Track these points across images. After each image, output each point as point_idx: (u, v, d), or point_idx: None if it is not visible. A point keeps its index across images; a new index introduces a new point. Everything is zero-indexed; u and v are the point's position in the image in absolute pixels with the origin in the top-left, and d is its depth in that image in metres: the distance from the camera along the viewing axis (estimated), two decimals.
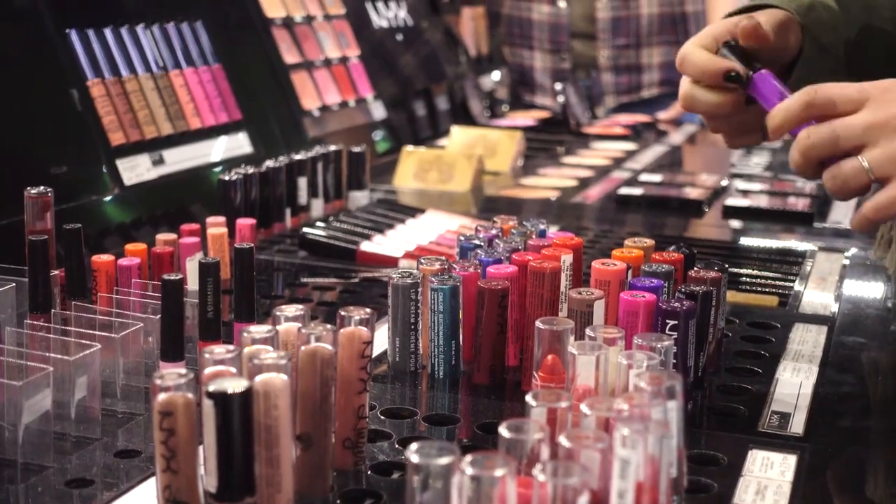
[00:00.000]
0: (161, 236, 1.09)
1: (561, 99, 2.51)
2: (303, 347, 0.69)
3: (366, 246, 1.32)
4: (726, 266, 0.97)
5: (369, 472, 0.74)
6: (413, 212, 1.50)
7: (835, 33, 1.00)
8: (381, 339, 0.93)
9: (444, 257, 0.96)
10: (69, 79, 1.35)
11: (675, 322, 0.83)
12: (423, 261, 0.94)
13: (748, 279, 1.27)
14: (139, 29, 1.49)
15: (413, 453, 0.56)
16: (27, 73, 1.31)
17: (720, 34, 0.95)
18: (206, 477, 0.60)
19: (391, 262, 1.28)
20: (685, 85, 0.96)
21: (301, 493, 0.69)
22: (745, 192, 1.78)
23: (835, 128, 0.84)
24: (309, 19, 1.92)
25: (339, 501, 0.71)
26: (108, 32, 1.44)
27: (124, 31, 1.47)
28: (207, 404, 0.59)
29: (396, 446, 0.79)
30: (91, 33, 1.41)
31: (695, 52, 0.94)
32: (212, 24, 1.64)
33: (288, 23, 1.86)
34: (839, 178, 0.84)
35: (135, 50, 1.47)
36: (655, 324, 0.85)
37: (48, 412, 0.76)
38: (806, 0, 1.00)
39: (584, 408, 0.63)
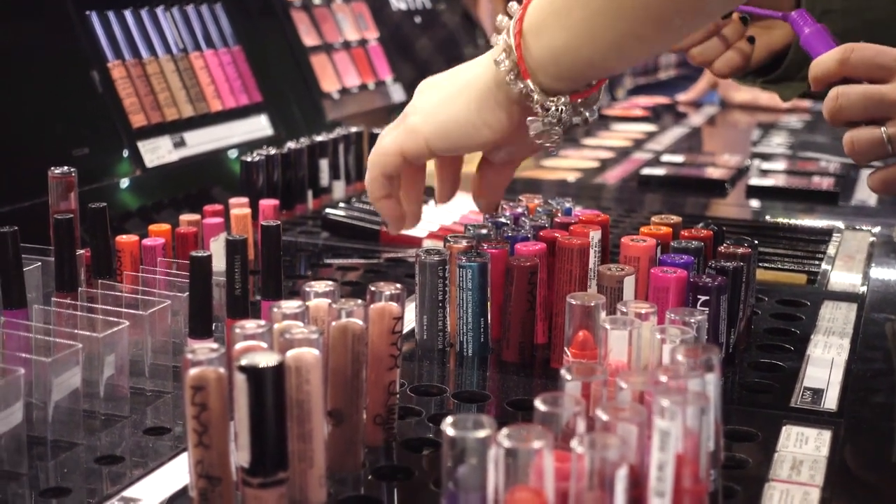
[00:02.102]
0: (185, 217, 1.09)
1: None
2: (333, 323, 0.69)
3: None
4: (756, 242, 0.96)
5: (400, 449, 0.74)
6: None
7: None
8: (408, 319, 0.93)
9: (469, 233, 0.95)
10: (90, 61, 1.35)
11: (707, 297, 0.83)
12: (450, 238, 0.93)
13: (775, 257, 1.26)
14: (159, 11, 1.49)
15: (449, 426, 0.55)
16: (48, 55, 1.30)
17: None
18: (238, 452, 0.60)
19: (415, 242, 1.28)
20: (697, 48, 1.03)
21: (332, 468, 0.68)
22: (766, 172, 1.77)
23: (863, 94, 0.86)
24: (328, 1, 1.91)
25: (370, 477, 0.70)
26: (128, 14, 1.43)
27: (144, 13, 1.46)
28: (240, 379, 0.58)
29: (426, 423, 0.78)
30: (111, 15, 1.40)
31: None
32: (231, 7, 1.63)
33: (307, 5, 1.85)
34: (858, 144, 0.88)
35: (155, 32, 1.47)
36: (686, 300, 0.84)
37: (77, 390, 0.76)
38: None
39: (619, 381, 0.63)
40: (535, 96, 0.81)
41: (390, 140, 0.87)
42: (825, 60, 0.89)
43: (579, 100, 0.82)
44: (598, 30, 0.77)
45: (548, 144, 0.85)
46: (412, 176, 0.91)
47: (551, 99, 0.81)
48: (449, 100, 0.84)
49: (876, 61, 0.86)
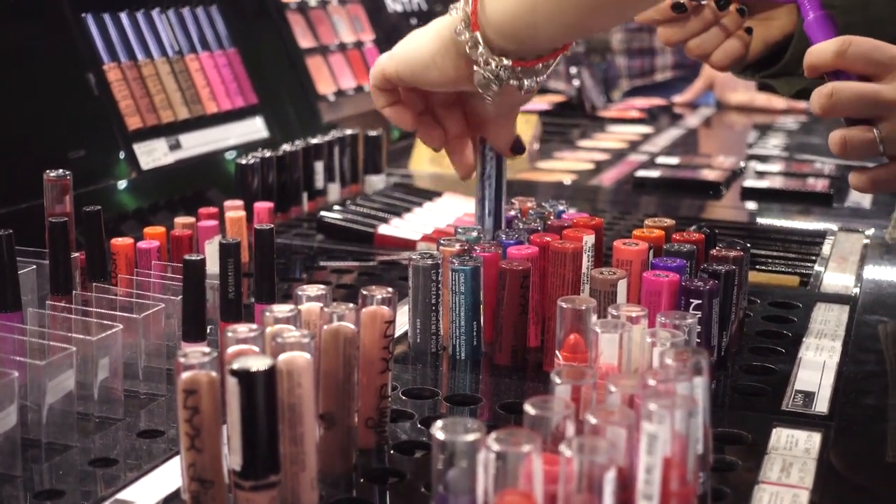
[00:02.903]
0: (180, 219, 1.09)
1: (576, 83, 2.50)
2: (325, 326, 0.69)
3: (383, 229, 1.32)
4: (748, 245, 0.96)
5: (392, 452, 0.74)
6: (430, 195, 1.49)
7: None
8: (401, 322, 0.93)
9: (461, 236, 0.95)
10: (86, 63, 1.35)
11: (700, 301, 0.83)
12: (443, 242, 0.94)
13: (768, 259, 1.26)
14: (155, 13, 1.49)
15: (438, 430, 0.56)
16: (44, 58, 1.31)
17: None
18: (231, 455, 0.60)
19: (409, 244, 1.28)
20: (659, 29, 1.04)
21: (324, 471, 0.68)
22: (762, 174, 1.77)
23: (858, 94, 0.86)
24: (324, 3, 1.92)
25: (362, 480, 0.71)
26: (124, 17, 1.44)
27: (140, 16, 1.46)
28: (231, 382, 0.58)
29: (419, 426, 0.79)
30: (107, 17, 1.41)
31: None
32: (227, 9, 1.63)
33: (303, 7, 1.85)
34: (851, 145, 0.87)
35: (151, 34, 1.47)
36: (678, 303, 0.84)
37: (71, 392, 0.76)
38: None
39: (609, 385, 0.63)
40: (480, 49, 0.86)
41: (379, 61, 0.97)
42: (822, 50, 0.88)
43: (520, 67, 0.87)
44: (545, 1, 0.82)
45: (486, 95, 0.90)
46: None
47: (493, 57, 0.86)
48: (420, 39, 0.92)
49: (872, 57, 0.86)
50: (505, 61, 0.86)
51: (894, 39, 0.98)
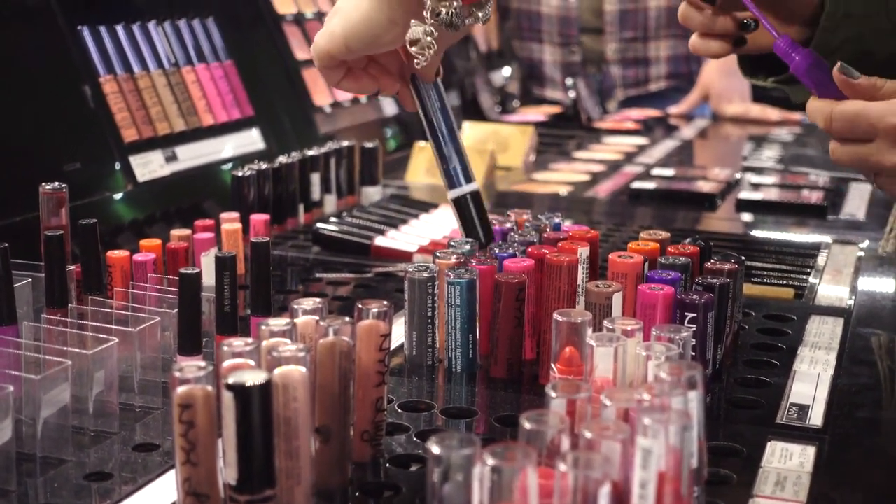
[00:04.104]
0: (175, 232, 1.09)
1: (571, 94, 2.51)
2: (321, 340, 0.69)
3: (380, 241, 1.32)
4: (742, 258, 0.97)
5: (387, 465, 0.74)
6: (426, 207, 1.49)
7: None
8: (397, 334, 0.93)
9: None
10: (81, 75, 1.35)
11: (694, 314, 0.83)
12: (439, 254, 0.94)
13: (763, 272, 1.27)
14: (151, 26, 1.50)
15: (434, 444, 0.56)
16: (39, 70, 1.31)
17: None
18: (226, 469, 0.60)
19: (405, 256, 1.28)
20: (682, 6, 0.98)
21: (320, 485, 0.68)
22: (757, 186, 1.78)
23: (851, 155, 0.89)
24: (320, 15, 1.92)
25: (357, 494, 0.71)
26: (119, 29, 1.44)
27: (136, 28, 1.47)
28: (227, 397, 0.58)
29: (414, 439, 0.79)
30: (103, 30, 1.41)
31: None
32: (223, 21, 1.64)
33: (299, 19, 1.86)
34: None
35: (147, 46, 1.47)
36: (673, 316, 0.84)
37: (66, 406, 0.76)
38: None
39: (604, 398, 0.63)
40: None
41: (317, 41, 0.94)
42: (815, 116, 0.90)
43: (471, 2, 0.85)
44: None
45: (418, 55, 0.87)
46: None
47: (443, 3, 0.84)
48: (358, 4, 0.89)
49: (855, 123, 0.87)
50: (455, 2, 0.84)
51: None
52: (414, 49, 0.87)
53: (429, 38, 0.86)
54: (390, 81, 0.99)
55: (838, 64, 0.88)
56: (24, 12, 1.32)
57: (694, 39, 0.99)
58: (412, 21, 0.85)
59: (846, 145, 0.89)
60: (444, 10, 0.84)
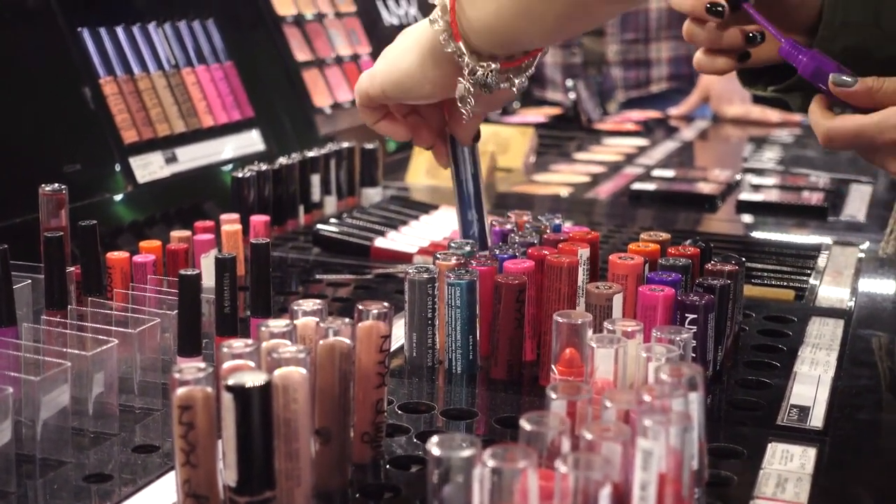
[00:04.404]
0: (175, 233, 1.09)
1: (572, 95, 2.51)
2: (321, 341, 0.69)
3: (380, 242, 1.32)
4: (743, 259, 0.96)
5: (388, 466, 0.74)
6: (426, 208, 1.49)
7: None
8: (397, 335, 0.93)
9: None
10: (81, 77, 1.35)
11: (695, 316, 0.83)
12: (439, 256, 0.94)
13: (763, 273, 1.27)
14: (151, 27, 1.49)
15: (434, 446, 0.56)
16: (39, 72, 1.31)
17: None
18: (226, 471, 0.60)
19: (406, 257, 1.28)
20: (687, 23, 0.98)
21: (320, 486, 0.68)
22: (757, 187, 1.78)
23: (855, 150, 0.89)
24: (320, 17, 1.92)
25: (357, 495, 0.71)
26: (119, 31, 1.44)
27: (136, 30, 1.47)
28: (227, 398, 0.58)
29: (414, 440, 0.79)
30: (103, 31, 1.41)
31: None
32: (223, 22, 1.64)
33: (299, 20, 1.86)
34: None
35: (147, 48, 1.47)
36: (674, 318, 0.84)
37: (66, 408, 0.76)
38: None
39: (604, 400, 0.63)
40: (466, 58, 0.87)
41: (360, 80, 0.99)
42: (819, 132, 0.89)
43: (509, 67, 0.88)
44: (524, 7, 0.83)
45: (463, 110, 0.91)
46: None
47: (481, 63, 0.87)
48: (404, 55, 0.93)
49: (855, 143, 0.87)
50: (493, 66, 0.87)
51: None
52: (460, 104, 0.91)
53: (469, 96, 0.89)
54: (427, 135, 1.02)
55: (831, 76, 0.88)
56: (24, 13, 1.32)
57: (699, 57, 0.99)
58: (459, 79, 0.89)
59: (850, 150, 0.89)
60: (480, 71, 0.87)
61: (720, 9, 0.91)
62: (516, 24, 0.84)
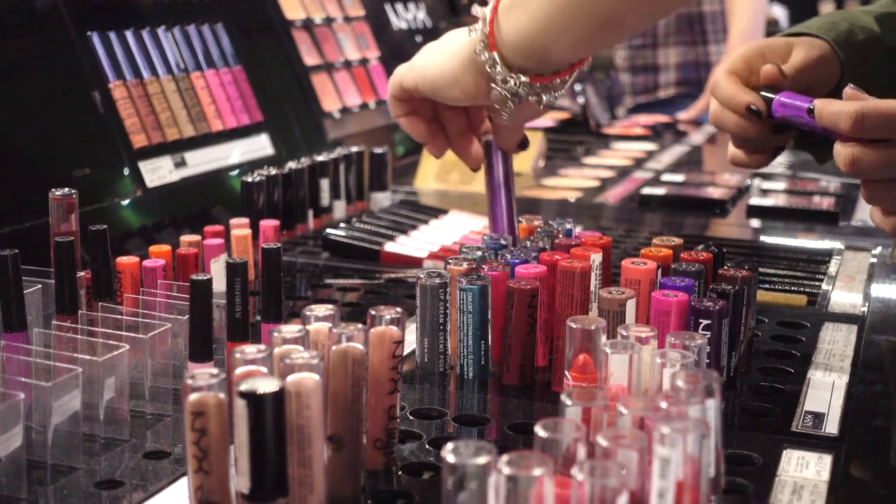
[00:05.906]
0: (185, 238, 1.08)
1: (580, 100, 2.50)
2: (334, 347, 0.69)
3: (389, 246, 1.32)
4: (756, 265, 0.96)
5: (400, 473, 0.74)
6: (436, 212, 1.49)
7: (876, 61, 1.00)
8: (408, 341, 0.93)
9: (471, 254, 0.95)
10: (91, 81, 1.35)
11: (709, 322, 0.82)
12: (450, 261, 0.93)
13: (775, 278, 1.26)
14: (160, 31, 1.49)
15: (449, 453, 0.55)
16: (49, 76, 1.31)
17: (752, 58, 0.98)
18: (238, 477, 0.60)
19: (415, 262, 1.28)
20: (714, 105, 0.99)
21: (332, 493, 0.68)
22: (767, 192, 1.77)
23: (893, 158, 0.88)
24: (329, 21, 1.92)
25: (370, 502, 0.70)
26: (129, 35, 1.44)
27: (145, 34, 1.47)
28: (240, 404, 0.58)
29: (427, 447, 0.78)
30: (112, 35, 1.41)
31: (723, 81, 0.98)
32: (232, 27, 1.63)
33: (308, 24, 1.86)
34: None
35: (156, 52, 1.47)
36: (687, 323, 0.84)
37: (77, 413, 0.75)
38: (844, 26, 1.00)
39: (620, 407, 0.62)
40: (498, 68, 0.90)
41: (397, 72, 1.01)
42: (837, 124, 0.87)
43: (538, 83, 0.90)
44: (555, 21, 0.85)
45: (503, 112, 0.93)
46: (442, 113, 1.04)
47: (511, 74, 0.90)
48: (441, 56, 0.96)
49: (876, 177, 0.88)
50: (523, 78, 0.89)
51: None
52: (498, 107, 0.93)
53: (507, 100, 0.91)
54: (441, 144, 1.05)
55: (849, 85, 0.88)
56: (33, 18, 1.31)
57: (735, 154, 1.02)
58: (493, 85, 0.91)
59: (878, 149, 0.86)
60: (511, 81, 0.90)
61: (757, 110, 0.94)
62: (546, 36, 0.87)
